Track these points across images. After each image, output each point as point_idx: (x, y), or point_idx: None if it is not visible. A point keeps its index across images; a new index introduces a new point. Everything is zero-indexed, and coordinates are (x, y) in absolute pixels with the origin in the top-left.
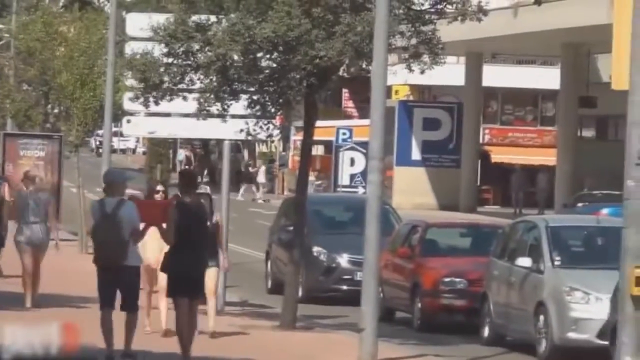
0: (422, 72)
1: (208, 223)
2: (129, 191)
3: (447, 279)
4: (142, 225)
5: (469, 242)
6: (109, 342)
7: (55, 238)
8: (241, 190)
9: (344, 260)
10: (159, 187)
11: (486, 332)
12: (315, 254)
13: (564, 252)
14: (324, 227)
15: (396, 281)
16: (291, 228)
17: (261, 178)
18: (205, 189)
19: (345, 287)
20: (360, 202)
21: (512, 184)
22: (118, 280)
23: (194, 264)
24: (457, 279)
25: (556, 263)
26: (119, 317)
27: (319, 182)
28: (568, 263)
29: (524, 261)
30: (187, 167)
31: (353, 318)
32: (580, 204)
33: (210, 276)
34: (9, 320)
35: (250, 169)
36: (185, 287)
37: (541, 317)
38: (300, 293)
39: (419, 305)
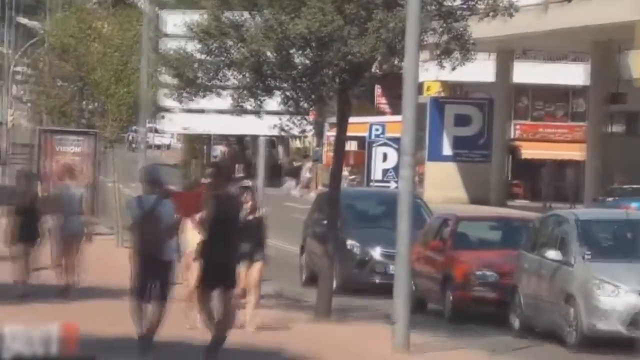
0: (454, 68)
1: (251, 217)
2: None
3: (478, 272)
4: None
5: (500, 236)
6: (140, 327)
7: (88, 231)
8: (286, 184)
9: (376, 253)
10: (204, 180)
11: (516, 323)
12: (349, 247)
13: (593, 245)
14: (358, 221)
15: (428, 273)
16: (325, 222)
17: (306, 173)
18: (247, 182)
19: (378, 280)
20: (393, 196)
21: (542, 178)
22: (153, 272)
23: (226, 254)
24: (488, 272)
25: (586, 256)
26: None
27: (352, 177)
28: (597, 256)
29: (554, 254)
30: (221, 160)
31: (386, 309)
32: (610, 198)
33: (255, 270)
34: (49, 313)
35: (295, 164)
36: (217, 276)
37: (571, 309)
38: (334, 285)
39: (450, 297)
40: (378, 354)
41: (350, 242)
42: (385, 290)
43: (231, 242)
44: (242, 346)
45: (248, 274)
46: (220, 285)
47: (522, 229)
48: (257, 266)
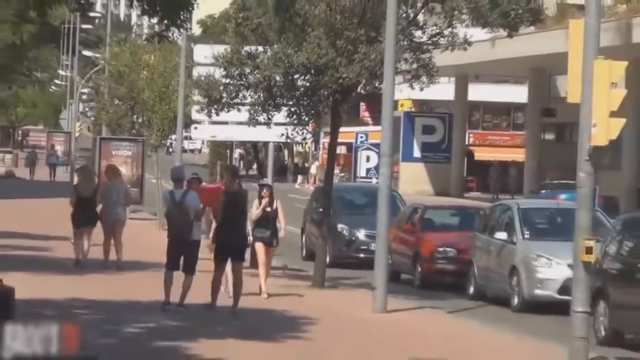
0: (422, 89)
1: (269, 209)
2: (203, 184)
3: (441, 249)
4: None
5: (458, 221)
6: (168, 292)
7: (125, 217)
8: (299, 180)
9: (361, 234)
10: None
11: (471, 290)
12: (339, 229)
13: (531, 227)
14: (346, 209)
15: (401, 250)
16: (320, 210)
17: (314, 170)
18: (266, 180)
19: (362, 255)
20: (374, 190)
21: (490, 175)
22: (183, 250)
23: (233, 235)
24: (449, 249)
25: (526, 236)
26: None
27: (342, 174)
28: (535, 236)
29: (501, 235)
30: (232, 164)
31: (368, 279)
32: (543, 191)
33: (269, 252)
34: (101, 280)
35: (306, 164)
36: (227, 252)
37: (514, 278)
38: (327, 260)
39: (419, 269)
40: (362, 314)
41: (340, 226)
42: (368, 264)
43: (237, 227)
44: (257, 308)
45: (264, 254)
46: (229, 257)
47: (475, 215)
48: (271, 250)
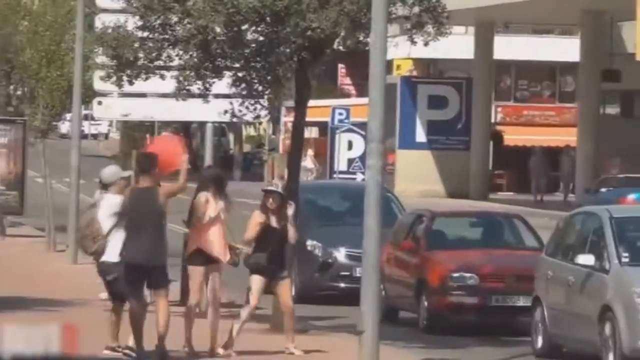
0: (426, 44)
1: (276, 225)
2: None
3: (456, 274)
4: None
5: (481, 233)
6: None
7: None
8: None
9: (341, 254)
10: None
11: (539, 342)
12: (309, 248)
13: (632, 247)
14: (319, 218)
15: (400, 277)
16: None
17: (309, 163)
18: (276, 186)
19: (343, 285)
20: (359, 189)
21: (531, 168)
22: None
23: (143, 250)
24: (468, 274)
25: (624, 260)
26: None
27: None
28: (637, 261)
29: (586, 259)
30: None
31: (352, 319)
32: (604, 189)
33: (283, 290)
34: None
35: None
36: (139, 275)
37: (607, 324)
38: (293, 292)
39: (425, 304)
40: None
41: (310, 243)
42: (352, 296)
43: (149, 239)
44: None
45: (275, 293)
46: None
47: (505, 225)
48: (284, 285)
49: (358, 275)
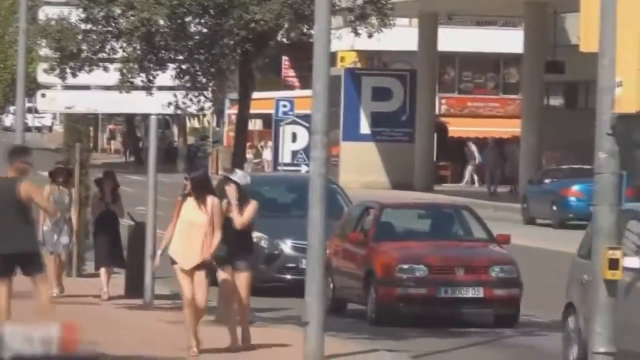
0: (370, 35)
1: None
2: None
3: (404, 266)
4: None
5: (429, 225)
6: None
7: None
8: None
9: (287, 246)
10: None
11: (574, 354)
12: (255, 240)
13: None
14: (265, 210)
15: (348, 269)
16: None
17: (268, 155)
18: (235, 172)
19: (289, 277)
20: (304, 181)
21: (487, 159)
22: None
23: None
24: (416, 265)
25: None
26: None
27: (257, 160)
28: None
29: (632, 262)
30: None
31: (298, 310)
32: (547, 180)
33: (241, 281)
34: None
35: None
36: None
37: None
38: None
39: (374, 295)
40: None
41: (256, 235)
42: (298, 288)
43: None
44: (125, 355)
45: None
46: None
47: (454, 217)
48: (243, 277)
49: (304, 267)
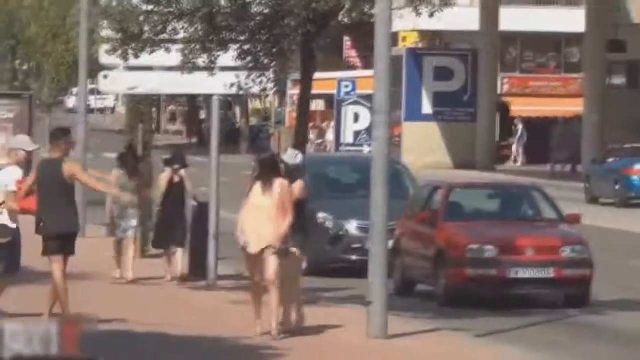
0: (431, 15)
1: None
2: None
3: (474, 247)
4: None
5: (498, 205)
6: None
7: None
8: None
9: (352, 227)
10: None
11: None
12: (320, 220)
13: None
14: (330, 191)
15: (416, 250)
16: None
17: (330, 135)
18: (286, 152)
19: (354, 257)
20: (370, 162)
21: (553, 138)
22: None
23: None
24: (486, 246)
25: None
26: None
27: (320, 140)
28: None
29: None
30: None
31: (362, 290)
32: (610, 159)
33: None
34: None
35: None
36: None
37: None
38: (303, 265)
39: (443, 276)
40: (351, 340)
41: (322, 215)
42: (364, 269)
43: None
44: (200, 334)
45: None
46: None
47: (524, 197)
48: (294, 259)
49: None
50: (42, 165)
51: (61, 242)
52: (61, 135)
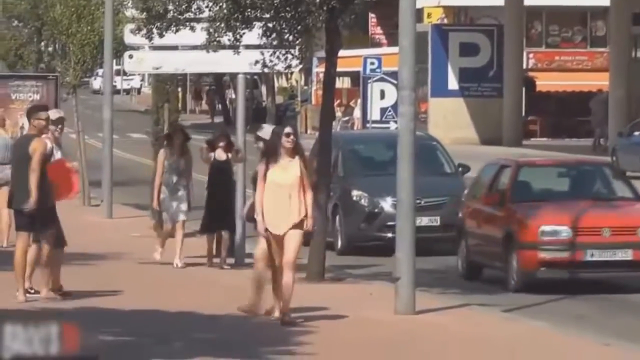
0: None
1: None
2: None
3: (547, 228)
4: None
5: (570, 184)
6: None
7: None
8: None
9: (387, 204)
10: None
11: None
12: (355, 198)
13: None
14: (364, 168)
15: (483, 232)
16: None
17: (358, 112)
18: (262, 128)
19: (390, 235)
20: None
21: (593, 112)
22: None
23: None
24: (560, 227)
25: None
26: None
27: (346, 118)
28: None
29: None
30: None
31: (390, 267)
32: (637, 133)
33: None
34: None
35: (352, 104)
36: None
37: None
38: (340, 243)
39: (514, 260)
40: (379, 316)
41: (356, 193)
42: None
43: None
44: (231, 313)
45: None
46: None
47: (595, 174)
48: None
49: None
50: (18, 141)
51: (28, 218)
52: (32, 112)
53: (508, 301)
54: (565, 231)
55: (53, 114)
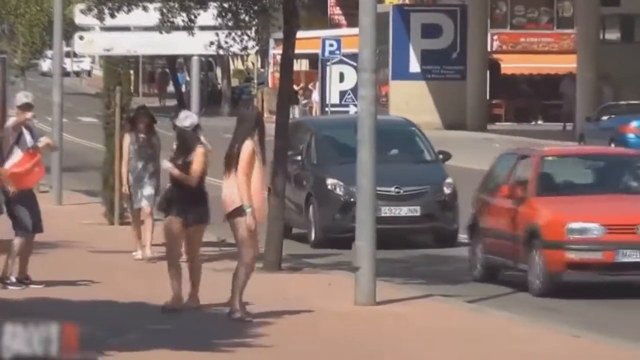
0: None
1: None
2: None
3: (575, 225)
4: None
5: (599, 176)
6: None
7: None
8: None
9: None
10: None
11: None
12: (329, 187)
13: None
14: (338, 156)
15: (501, 230)
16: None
17: (316, 96)
18: (177, 116)
19: None
20: (380, 123)
21: (563, 94)
22: None
23: None
24: (589, 225)
25: None
26: None
27: (305, 101)
28: None
29: None
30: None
31: (350, 256)
32: (605, 117)
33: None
34: None
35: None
36: None
37: None
38: (313, 235)
39: (538, 261)
40: (338, 307)
41: (330, 181)
42: (380, 239)
43: None
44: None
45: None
46: None
47: (627, 166)
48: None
49: (385, 214)
50: None
51: None
52: None
53: (473, 292)
54: (595, 229)
55: (19, 98)
